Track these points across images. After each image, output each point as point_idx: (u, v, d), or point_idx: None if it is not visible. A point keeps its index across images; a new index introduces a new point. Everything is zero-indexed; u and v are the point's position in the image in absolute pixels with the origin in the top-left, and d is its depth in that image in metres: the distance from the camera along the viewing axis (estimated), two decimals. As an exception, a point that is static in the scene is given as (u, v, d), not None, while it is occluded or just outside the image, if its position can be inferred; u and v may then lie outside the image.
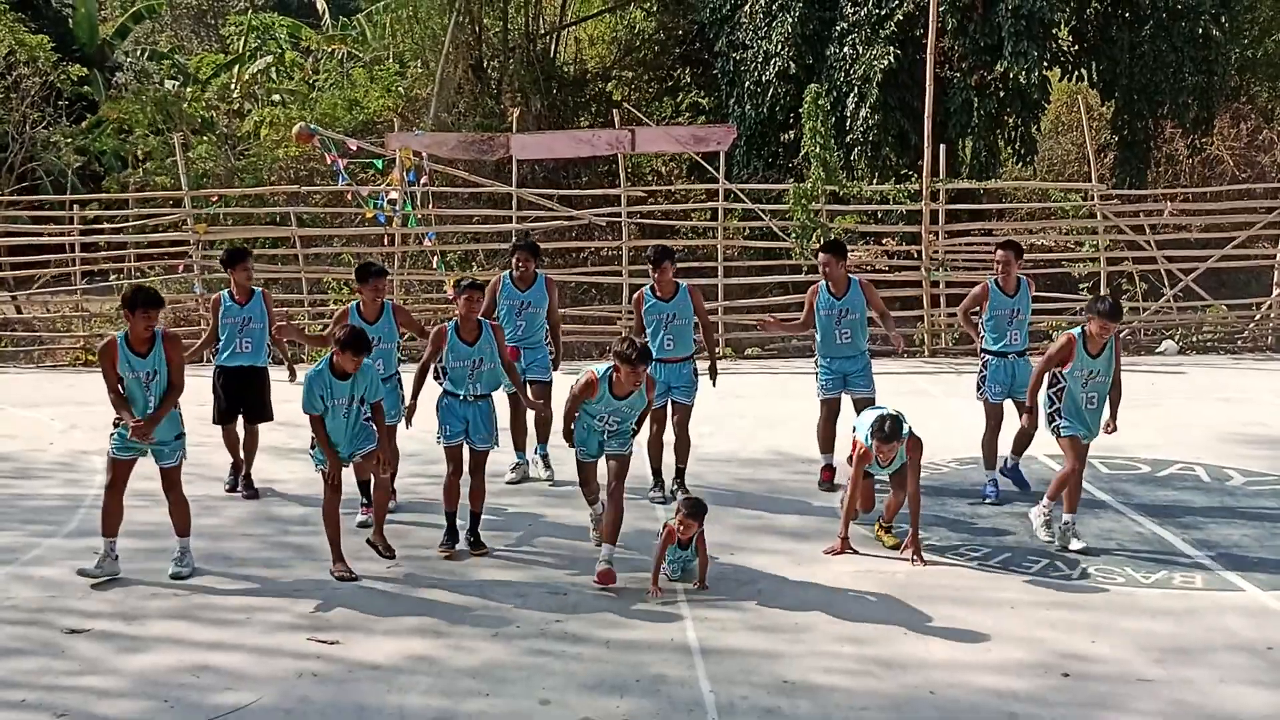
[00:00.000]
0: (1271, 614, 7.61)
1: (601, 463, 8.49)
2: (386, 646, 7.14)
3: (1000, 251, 10.26)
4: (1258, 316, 18.38)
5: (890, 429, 8.22)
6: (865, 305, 10.19)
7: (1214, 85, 21.19)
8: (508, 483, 10.57)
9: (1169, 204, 18.80)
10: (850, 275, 10.35)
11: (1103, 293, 17.79)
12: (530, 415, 10.59)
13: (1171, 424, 12.63)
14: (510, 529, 9.41)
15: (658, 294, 10.02)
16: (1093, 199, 18.44)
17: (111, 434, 8.34)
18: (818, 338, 10.25)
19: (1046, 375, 8.86)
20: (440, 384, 8.99)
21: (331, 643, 7.18)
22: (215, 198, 18.94)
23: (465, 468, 8.86)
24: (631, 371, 7.98)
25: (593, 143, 18.94)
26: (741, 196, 18.45)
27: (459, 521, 8.84)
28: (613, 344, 8.20)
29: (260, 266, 17.79)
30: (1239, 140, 24.31)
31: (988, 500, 9.97)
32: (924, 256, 17.99)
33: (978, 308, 10.36)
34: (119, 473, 8.36)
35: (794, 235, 17.89)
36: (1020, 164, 22.28)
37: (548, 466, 10.81)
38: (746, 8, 21.32)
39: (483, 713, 6.29)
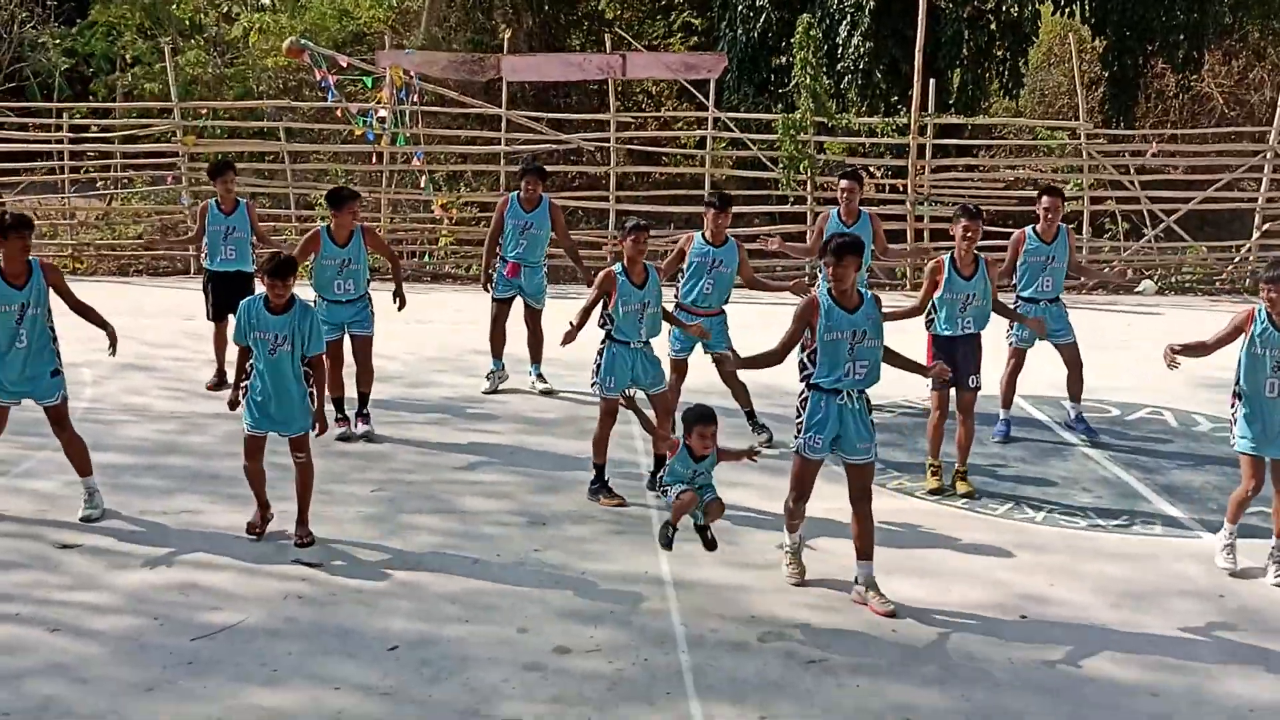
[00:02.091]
0: (1225, 561, 7.89)
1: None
2: (370, 571, 7.38)
3: (1045, 198, 10.22)
4: (1236, 259, 18.57)
5: None
6: (872, 237, 10.55)
7: (1205, 23, 21.13)
8: (484, 392, 11.29)
9: (1154, 144, 18.88)
10: (861, 208, 10.67)
11: (1084, 230, 17.98)
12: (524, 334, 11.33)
13: (1145, 367, 12.82)
14: (492, 457, 9.62)
15: (709, 239, 9.78)
16: (1080, 137, 18.50)
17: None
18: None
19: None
20: (606, 330, 8.62)
21: (316, 565, 7.41)
22: (204, 110, 18.83)
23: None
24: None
25: (583, 67, 18.88)
26: (730, 125, 18.46)
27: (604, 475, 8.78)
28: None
29: (247, 180, 17.86)
30: (1229, 78, 24.34)
31: (995, 439, 10.21)
32: (909, 191, 18.07)
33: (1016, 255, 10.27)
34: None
35: (782, 165, 17.95)
36: (1007, 97, 22.28)
37: (544, 380, 11.45)
38: (743, -71, 21.11)
39: (462, 639, 6.54)
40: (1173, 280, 18.43)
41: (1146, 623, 6.97)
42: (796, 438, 7.12)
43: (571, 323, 8.44)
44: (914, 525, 8.29)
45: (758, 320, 11.22)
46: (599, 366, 8.56)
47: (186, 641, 6.44)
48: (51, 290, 7.94)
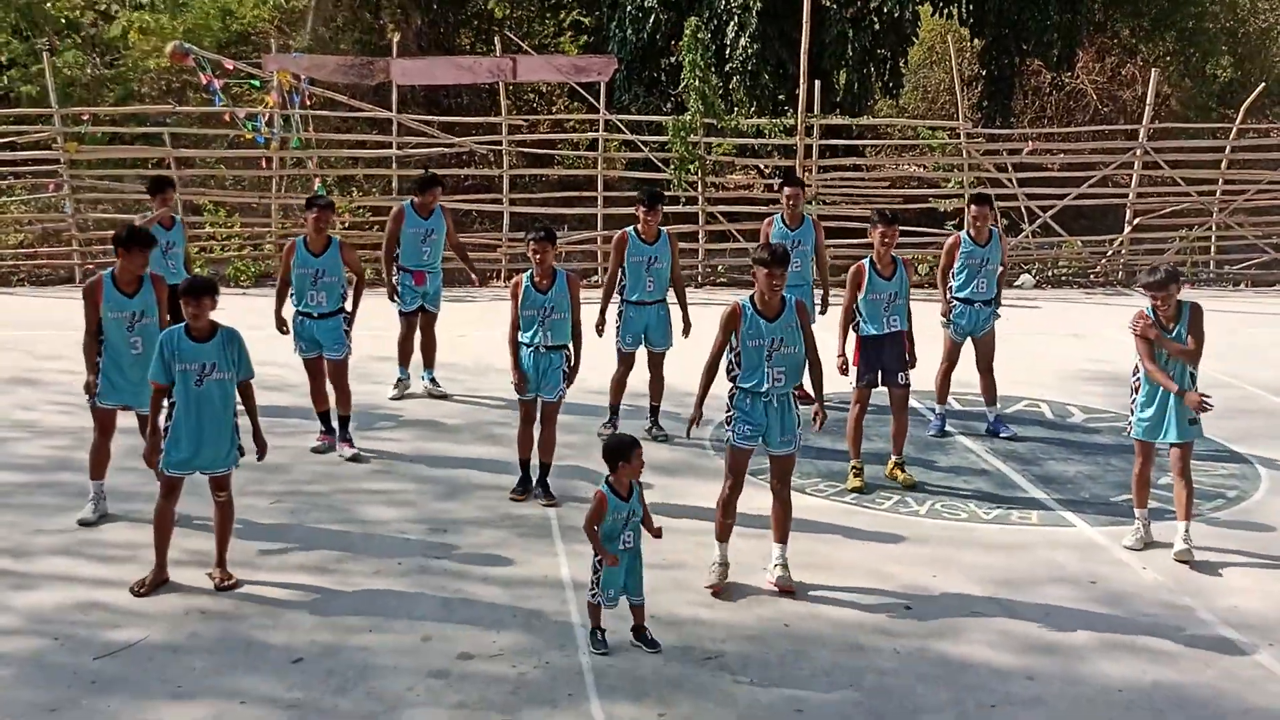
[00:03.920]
0: (1097, 548, 8.33)
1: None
2: (272, 583, 7.44)
3: (974, 207, 10.68)
4: (1109, 253, 19.30)
5: None
6: (815, 241, 11.15)
7: (1078, 22, 21.94)
8: (390, 398, 11.47)
9: (1029, 143, 19.53)
10: (805, 214, 11.29)
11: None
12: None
13: (1023, 360, 13.34)
14: (392, 465, 9.72)
15: (642, 237, 10.16)
16: (960, 136, 19.07)
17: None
18: None
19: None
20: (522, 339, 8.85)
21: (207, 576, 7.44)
22: (86, 115, 18.47)
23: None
24: (770, 274, 7.31)
25: (474, 70, 18.94)
26: (622, 127, 18.68)
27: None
28: (752, 252, 7.57)
29: (133, 187, 17.60)
30: (1103, 74, 25.22)
31: (930, 434, 10.69)
32: (797, 189, 18.43)
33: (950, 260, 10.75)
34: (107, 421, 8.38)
35: (673, 166, 18.22)
36: (889, 96, 22.86)
37: (438, 385, 11.69)
38: (629, -69, 21.33)
39: (366, 648, 6.65)
40: (1049, 274, 19.09)
41: (1022, 610, 7.34)
42: (726, 428, 7.53)
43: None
44: (805, 520, 8.53)
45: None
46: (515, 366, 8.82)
47: (89, 661, 6.46)
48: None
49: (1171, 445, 8.11)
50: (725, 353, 7.50)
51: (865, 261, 9.49)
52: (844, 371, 9.40)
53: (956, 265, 10.65)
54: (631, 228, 10.27)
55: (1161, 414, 8.10)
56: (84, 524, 8.28)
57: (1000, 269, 10.75)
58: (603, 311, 10.33)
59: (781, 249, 7.46)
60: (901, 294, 9.43)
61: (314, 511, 8.66)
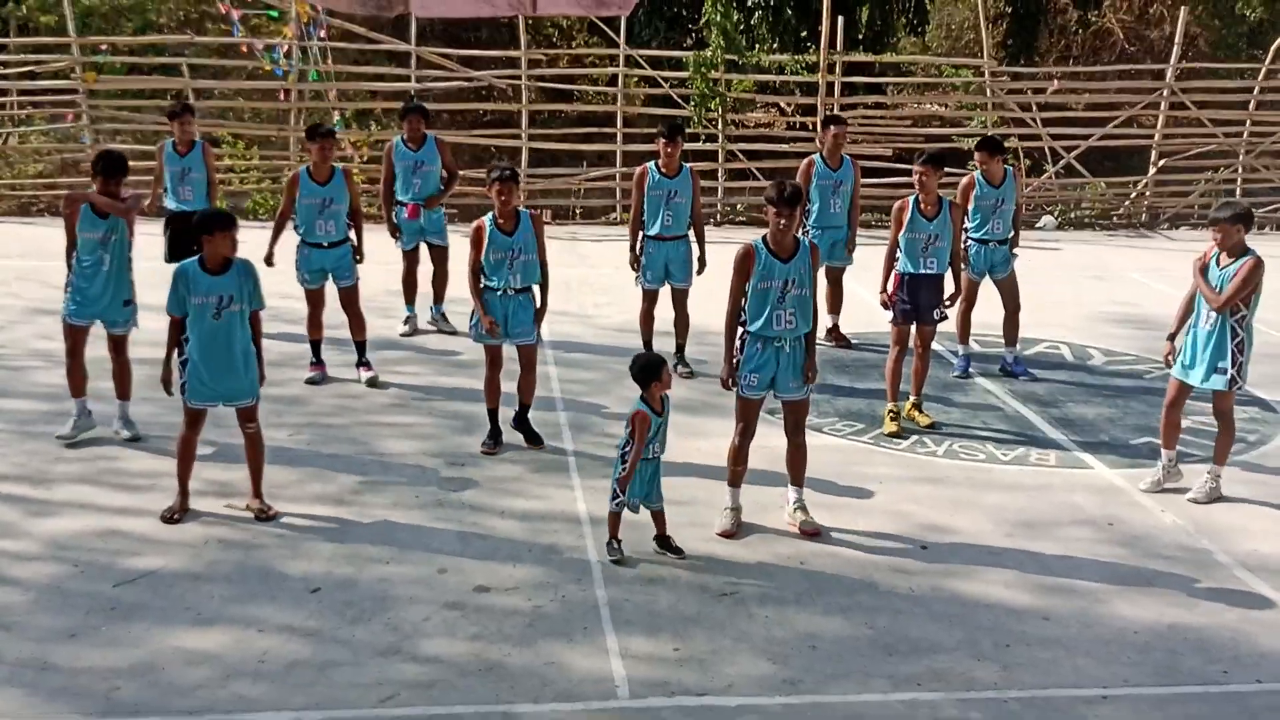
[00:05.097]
0: (1116, 490, 8.30)
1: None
2: (291, 514, 7.48)
3: (979, 153, 10.55)
4: (1133, 195, 19.10)
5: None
6: (853, 181, 11.19)
7: (1108, -40, 21.60)
8: (400, 335, 11.42)
9: (1054, 82, 19.27)
10: (844, 154, 11.24)
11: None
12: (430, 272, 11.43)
13: (1044, 301, 13.23)
14: (409, 399, 9.73)
15: (662, 170, 10.09)
16: (984, 74, 18.83)
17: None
18: (814, 206, 11.03)
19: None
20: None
21: (241, 508, 7.48)
22: (104, 45, 18.36)
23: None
24: (778, 213, 7.10)
25: (494, 3, 18.60)
26: (641, 62, 18.49)
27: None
28: (766, 190, 7.29)
29: (151, 118, 17.54)
30: (1130, 13, 24.87)
31: (955, 375, 10.66)
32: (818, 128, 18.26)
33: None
34: (78, 339, 8.54)
35: (693, 103, 18.05)
36: (913, 33, 22.58)
37: (446, 321, 11.59)
38: None
39: (384, 579, 6.69)
40: (1072, 215, 18.92)
41: (1039, 550, 7.33)
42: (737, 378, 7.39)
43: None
44: (822, 460, 8.51)
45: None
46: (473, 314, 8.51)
47: (109, 588, 6.51)
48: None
49: (1207, 389, 8.03)
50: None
51: (910, 198, 9.36)
52: (886, 306, 9.39)
53: (971, 206, 10.53)
54: (652, 162, 10.16)
55: (1191, 354, 8.02)
56: (64, 441, 8.42)
57: (1015, 208, 10.64)
58: (633, 248, 10.24)
59: (792, 187, 7.23)
60: (944, 236, 9.27)
61: (332, 444, 8.68)
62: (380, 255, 10.73)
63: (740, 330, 7.33)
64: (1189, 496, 8.05)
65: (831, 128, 11.20)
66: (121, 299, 8.50)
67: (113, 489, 7.78)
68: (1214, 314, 7.87)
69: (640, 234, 10.21)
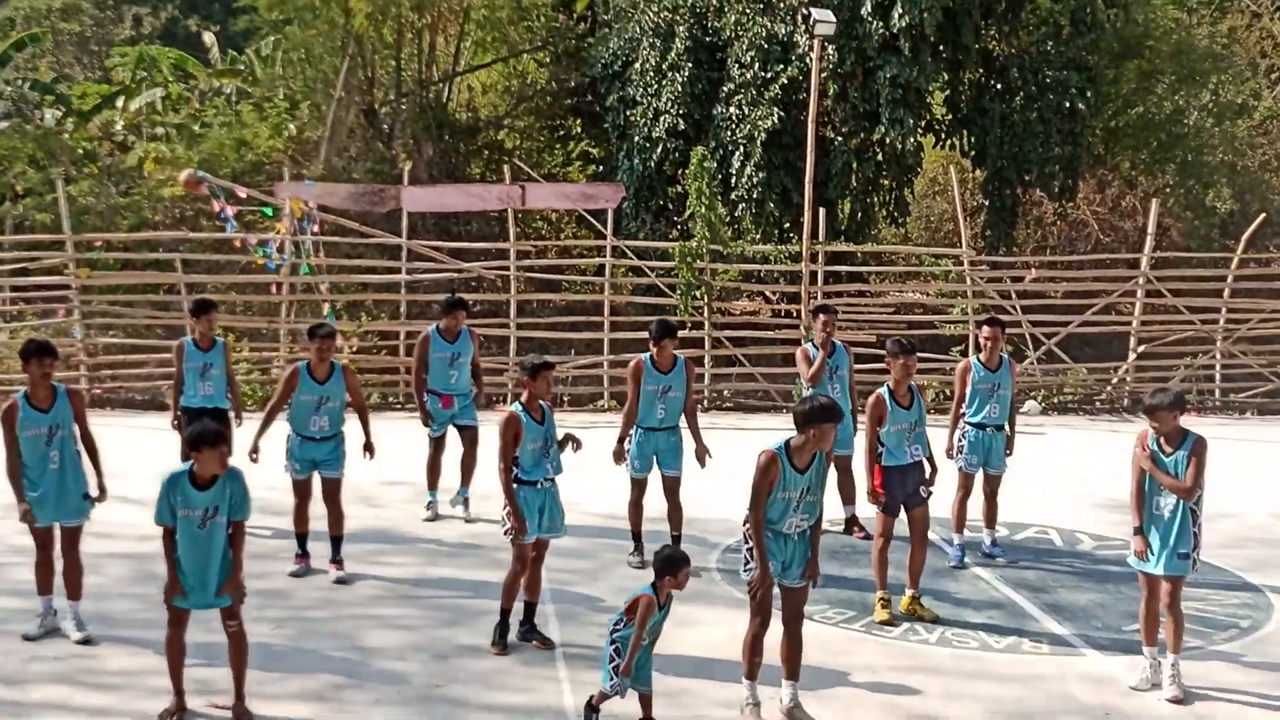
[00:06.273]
0: (1110, 679, 8.17)
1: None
2: (272, 712, 7.30)
3: (986, 328, 10.66)
4: (1114, 380, 19.32)
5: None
6: (848, 367, 11.36)
7: (1079, 155, 22.27)
8: (423, 519, 11.53)
9: (1032, 270, 19.69)
10: (835, 340, 11.41)
11: (970, 353, 18.58)
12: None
13: (1031, 486, 13.26)
14: (394, 590, 9.61)
15: (657, 365, 10.19)
16: (963, 263, 19.25)
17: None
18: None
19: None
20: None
21: (223, 707, 7.29)
22: (99, 242, 18.71)
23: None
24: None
25: (484, 197, 19.24)
26: (628, 252, 18.89)
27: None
28: (794, 407, 7.43)
29: (143, 312, 17.77)
30: (1104, 205, 25.53)
31: (951, 564, 10.50)
32: (804, 315, 18.56)
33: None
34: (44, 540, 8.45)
35: (679, 291, 18.38)
36: (894, 224, 23.15)
37: (467, 507, 11.70)
38: (638, 65, 21.82)
39: (365, 779, 6.51)
40: (1055, 400, 19.09)
41: (1036, 742, 7.17)
42: (744, 571, 7.35)
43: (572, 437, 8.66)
44: (813, 647, 8.38)
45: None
46: (509, 513, 8.28)
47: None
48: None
49: (1161, 578, 7.87)
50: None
51: (883, 392, 9.36)
52: (875, 502, 9.27)
53: (969, 391, 10.61)
54: (647, 354, 10.25)
55: (1160, 544, 7.84)
56: (28, 639, 8.30)
57: (1012, 400, 10.71)
58: (620, 440, 10.24)
59: (827, 407, 7.19)
60: (921, 421, 9.36)
61: (314, 638, 8.53)
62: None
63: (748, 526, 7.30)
64: (1166, 698, 7.78)
65: (821, 316, 11.36)
66: (79, 493, 8.41)
67: (89, 689, 7.61)
68: (1174, 501, 7.77)
69: (632, 427, 10.22)
